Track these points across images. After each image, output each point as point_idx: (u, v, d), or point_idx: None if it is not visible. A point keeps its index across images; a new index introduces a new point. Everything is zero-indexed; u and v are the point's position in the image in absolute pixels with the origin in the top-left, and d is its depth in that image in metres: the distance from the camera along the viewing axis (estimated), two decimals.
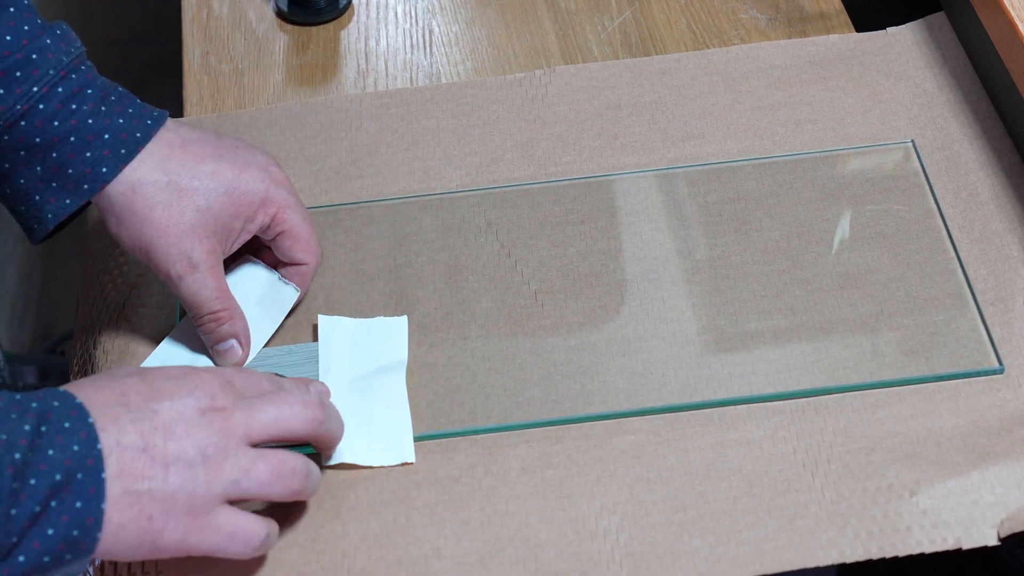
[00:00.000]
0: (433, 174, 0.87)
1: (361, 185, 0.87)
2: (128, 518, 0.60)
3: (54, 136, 0.70)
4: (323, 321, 0.79)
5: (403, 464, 0.73)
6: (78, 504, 0.59)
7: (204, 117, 0.91)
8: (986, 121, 0.88)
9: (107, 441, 0.60)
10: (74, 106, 0.71)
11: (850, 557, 0.69)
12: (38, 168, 0.71)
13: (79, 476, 0.59)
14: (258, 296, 0.78)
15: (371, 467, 0.73)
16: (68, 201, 0.72)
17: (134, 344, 0.79)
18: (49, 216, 0.72)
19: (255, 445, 0.65)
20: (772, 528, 0.69)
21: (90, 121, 0.71)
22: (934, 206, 0.84)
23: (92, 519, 0.59)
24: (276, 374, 0.72)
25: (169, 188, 0.72)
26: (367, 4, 1.00)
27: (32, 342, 1.73)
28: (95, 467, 0.60)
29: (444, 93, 0.92)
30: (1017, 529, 0.70)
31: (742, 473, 0.72)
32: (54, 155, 0.71)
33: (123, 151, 0.72)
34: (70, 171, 0.71)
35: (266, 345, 0.78)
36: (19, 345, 1.72)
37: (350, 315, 0.80)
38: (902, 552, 0.69)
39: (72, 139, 0.71)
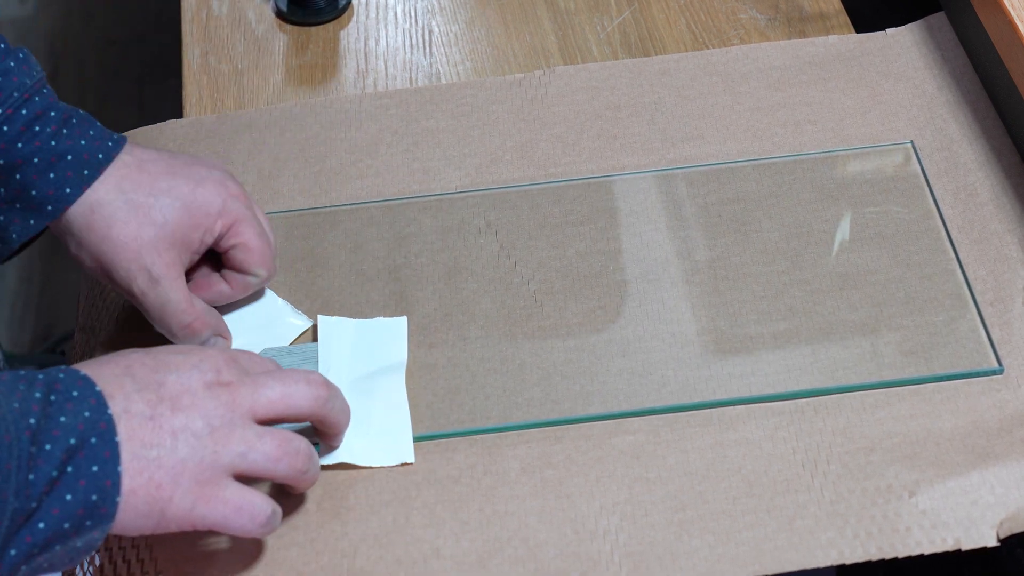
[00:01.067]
0: (433, 175, 0.87)
1: (361, 186, 0.87)
2: (138, 484, 0.60)
3: (18, 158, 0.71)
4: (323, 321, 0.79)
5: (402, 464, 0.73)
6: (95, 468, 0.59)
7: (204, 117, 0.91)
8: (985, 122, 0.88)
9: (115, 408, 0.61)
10: (37, 128, 0.71)
11: (849, 558, 0.69)
12: (1, 190, 0.71)
13: (93, 440, 0.59)
14: (264, 321, 0.79)
15: (370, 467, 0.73)
16: (32, 222, 0.72)
17: (134, 344, 0.79)
18: (13, 236, 0.72)
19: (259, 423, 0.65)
20: (771, 528, 0.70)
21: (53, 143, 0.71)
22: (933, 207, 0.84)
23: (110, 482, 0.59)
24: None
25: (126, 206, 0.72)
26: (367, 4, 1.00)
27: (32, 342, 1.73)
28: (108, 431, 0.60)
29: (444, 94, 0.92)
30: (1017, 530, 0.70)
31: (741, 473, 0.72)
32: (17, 176, 0.71)
33: (86, 172, 0.72)
34: (33, 192, 0.71)
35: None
36: (19, 345, 1.72)
37: (350, 316, 0.80)
38: (901, 553, 0.69)
39: (36, 160, 0.71)
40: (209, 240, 0.75)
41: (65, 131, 0.72)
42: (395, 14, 0.99)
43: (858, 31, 0.96)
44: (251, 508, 0.63)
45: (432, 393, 0.76)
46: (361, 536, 0.70)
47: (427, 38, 0.98)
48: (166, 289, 0.73)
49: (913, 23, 0.95)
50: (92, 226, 0.72)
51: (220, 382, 0.64)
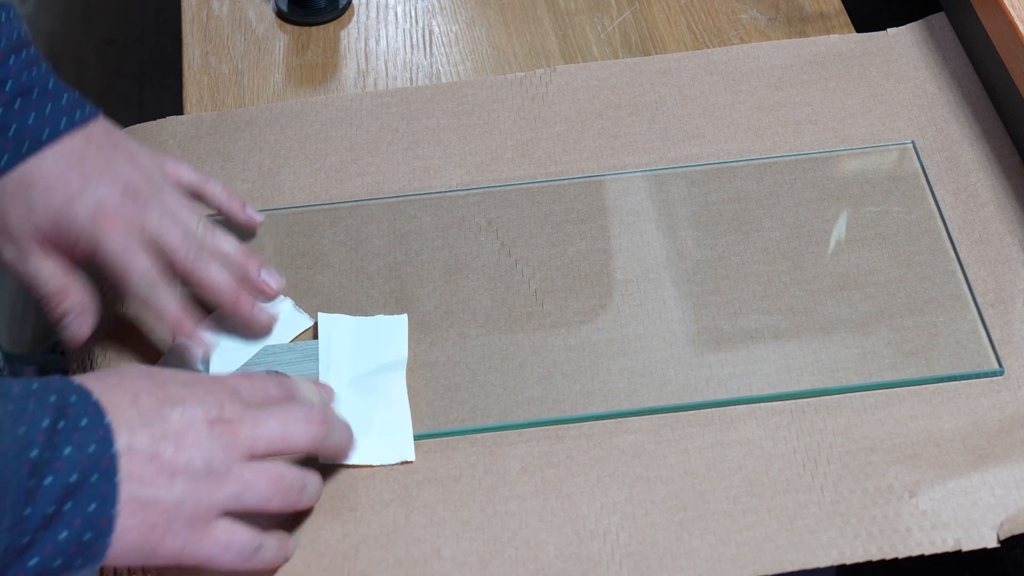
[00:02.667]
0: (433, 173, 0.87)
1: (361, 184, 0.87)
2: (132, 524, 0.60)
3: None
4: (323, 319, 0.79)
5: (403, 463, 0.73)
6: (92, 507, 0.59)
7: (205, 114, 0.91)
8: (986, 122, 0.88)
9: (120, 443, 0.60)
10: None
11: (850, 558, 0.69)
12: None
13: (94, 478, 0.59)
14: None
15: (371, 466, 0.73)
16: None
17: (133, 342, 0.79)
18: None
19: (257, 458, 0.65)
20: (772, 528, 0.69)
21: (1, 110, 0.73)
22: (934, 207, 0.84)
23: (106, 521, 0.59)
24: (279, 372, 0.72)
25: (10, 184, 0.73)
26: (367, 4, 1.00)
27: (32, 342, 1.73)
28: (110, 469, 0.60)
29: (444, 92, 0.92)
30: (1017, 531, 0.69)
31: (742, 473, 0.72)
32: None
33: (24, 148, 0.73)
34: None
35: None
36: (19, 345, 1.72)
37: (350, 313, 0.80)
38: (902, 553, 0.69)
39: None
40: (74, 255, 0.75)
41: (20, 103, 0.73)
42: (395, 14, 0.99)
43: (858, 31, 0.96)
44: (238, 545, 0.64)
45: (432, 391, 0.76)
46: (362, 537, 0.70)
47: (427, 38, 0.98)
48: (33, 261, 0.74)
49: (914, 23, 0.95)
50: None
51: (223, 419, 0.64)
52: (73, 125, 0.74)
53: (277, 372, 0.71)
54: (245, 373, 0.70)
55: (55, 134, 0.74)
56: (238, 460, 0.64)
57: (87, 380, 0.63)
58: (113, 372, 0.65)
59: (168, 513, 0.61)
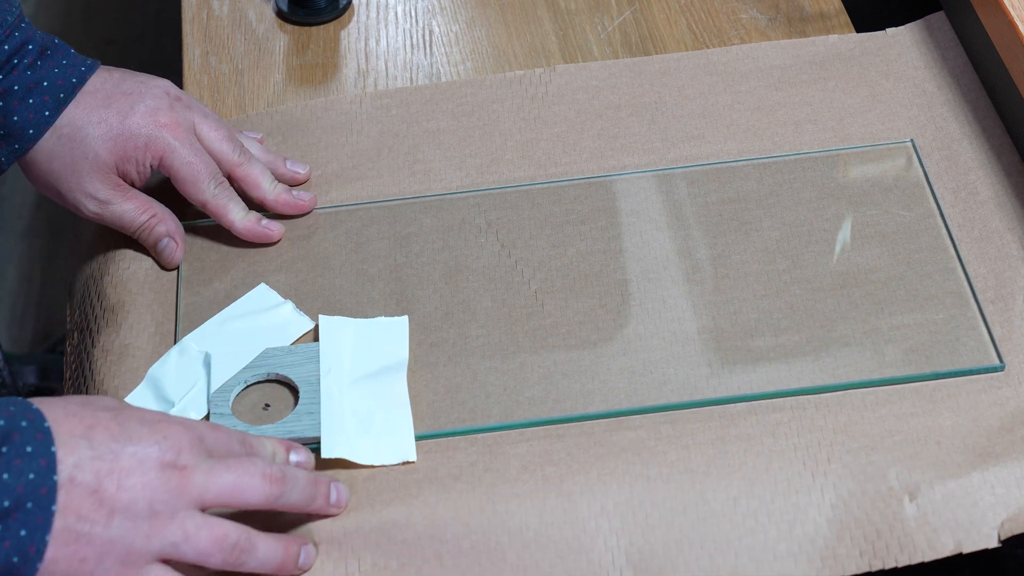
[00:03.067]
0: (434, 176, 0.87)
1: (362, 187, 0.87)
2: (62, 555, 0.60)
3: (0, 88, 0.78)
4: (324, 321, 0.79)
5: (404, 463, 0.73)
6: (23, 532, 0.59)
7: None
8: (985, 120, 0.88)
9: (63, 473, 0.60)
10: (16, 60, 0.78)
11: (848, 569, 0.68)
12: None
13: (29, 505, 0.59)
14: (265, 322, 0.79)
15: (372, 467, 0.73)
16: (17, 146, 0.79)
17: (133, 346, 0.79)
18: (2, 160, 0.79)
19: (206, 509, 0.65)
20: (772, 535, 0.69)
21: (29, 73, 0.78)
22: (934, 205, 0.84)
23: (35, 549, 0.59)
24: (244, 432, 0.70)
25: (62, 140, 0.79)
26: (367, 4, 1.00)
27: (32, 342, 1.73)
28: (47, 497, 0.60)
29: (444, 92, 0.92)
30: (1018, 531, 0.69)
31: (743, 471, 0.72)
32: (0, 105, 0.78)
33: (61, 95, 0.79)
34: (15, 119, 0.78)
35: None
36: (19, 345, 1.72)
37: (351, 315, 0.80)
38: (901, 562, 0.68)
39: (16, 88, 0.78)
40: (144, 169, 0.81)
41: (40, 62, 0.79)
42: (396, 14, 0.99)
43: (858, 31, 0.96)
44: None
45: (433, 392, 0.76)
46: (363, 536, 0.70)
47: (428, 38, 0.98)
48: (117, 204, 0.81)
49: (913, 23, 0.95)
50: (35, 160, 0.80)
51: (176, 464, 0.63)
52: (92, 70, 0.81)
53: (242, 432, 0.70)
54: (213, 424, 0.69)
55: (82, 80, 0.80)
56: (184, 507, 0.63)
57: (46, 405, 0.62)
58: (79, 400, 0.65)
59: (100, 549, 0.61)
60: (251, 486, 0.65)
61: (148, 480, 0.62)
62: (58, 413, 0.62)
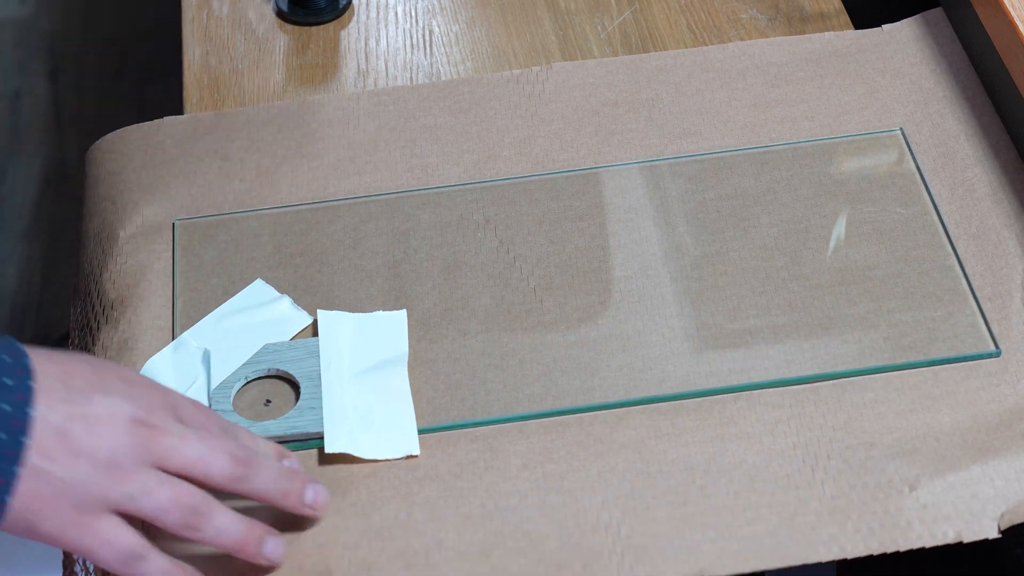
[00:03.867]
0: (431, 171, 0.87)
1: (359, 182, 0.87)
2: (24, 489, 0.60)
3: None
4: (323, 316, 0.79)
5: (407, 457, 0.73)
6: None
7: (202, 114, 0.92)
8: (982, 117, 0.88)
9: (37, 410, 0.61)
10: None
11: (851, 553, 0.69)
12: None
13: (2, 436, 0.59)
14: (264, 318, 0.79)
15: (374, 461, 0.73)
16: None
17: (132, 341, 0.79)
18: None
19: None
20: (772, 524, 0.70)
21: None
22: (930, 202, 0.84)
23: (3, 481, 0.60)
24: (236, 426, 0.70)
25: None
26: (367, 4, 1.00)
27: (32, 342, 1.72)
28: (21, 430, 0.60)
29: (442, 90, 0.92)
30: (1017, 521, 0.70)
31: (742, 468, 0.72)
32: None
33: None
34: None
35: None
36: None
37: (349, 311, 0.80)
38: (903, 547, 0.69)
39: None
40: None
41: None
42: (396, 14, 1.00)
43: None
44: (119, 547, 0.63)
45: (432, 388, 0.76)
46: (363, 530, 0.70)
47: (428, 38, 0.98)
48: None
49: (909, 19, 0.95)
50: None
51: (147, 423, 0.64)
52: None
53: (226, 420, 0.69)
54: (193, 400, 0.69)
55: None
56: (147, 464, 0.63)
57: (33, 349, 0.63)
58: (66, 352, 0.65)
59: (57, 489, 0.61)
60: (216, 462, 0.65)
61: (116, 432, 0.63)
62: (41, 355, 0.63)
